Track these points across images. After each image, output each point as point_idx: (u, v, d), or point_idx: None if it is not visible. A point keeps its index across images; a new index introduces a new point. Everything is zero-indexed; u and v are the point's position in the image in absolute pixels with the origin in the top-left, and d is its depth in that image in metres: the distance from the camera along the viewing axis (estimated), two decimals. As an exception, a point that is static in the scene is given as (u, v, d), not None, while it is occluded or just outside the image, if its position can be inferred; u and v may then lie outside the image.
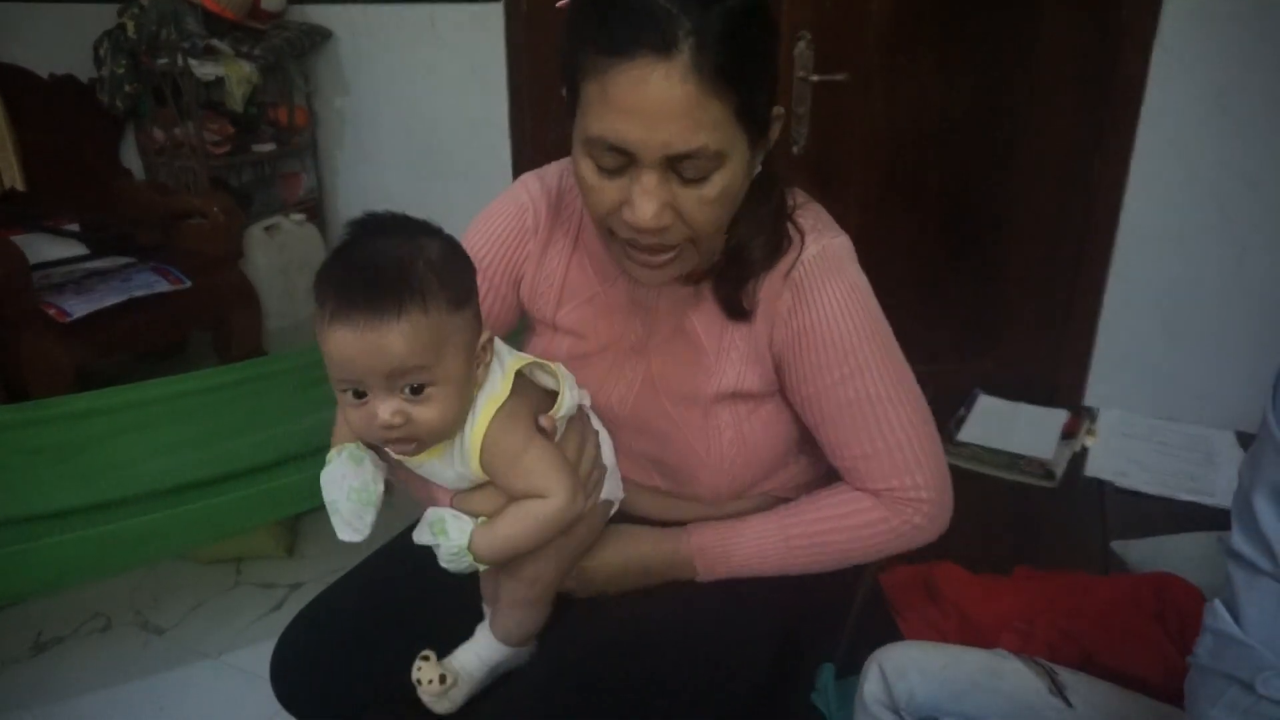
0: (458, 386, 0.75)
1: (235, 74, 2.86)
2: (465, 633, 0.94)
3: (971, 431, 1.61)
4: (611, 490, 0.93)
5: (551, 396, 0.85)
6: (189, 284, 2.49)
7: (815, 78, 2.20)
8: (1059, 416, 1.67)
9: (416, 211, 0.80)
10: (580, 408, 0.89)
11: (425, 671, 0.86)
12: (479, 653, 0.91)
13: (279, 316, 2.97)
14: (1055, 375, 2.44)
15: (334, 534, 0.82)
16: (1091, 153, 2.24)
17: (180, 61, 2.74)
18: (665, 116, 0.69)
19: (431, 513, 0.83)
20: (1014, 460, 1.50)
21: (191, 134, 2.83)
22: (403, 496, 0.89)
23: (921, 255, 2.46)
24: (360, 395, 0.73)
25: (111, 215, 2.74)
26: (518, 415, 0.79)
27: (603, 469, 0.91)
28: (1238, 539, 0.57)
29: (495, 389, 0.79)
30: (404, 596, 0.98)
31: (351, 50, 3.15)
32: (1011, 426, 1.63)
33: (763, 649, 0.96)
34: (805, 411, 0.90)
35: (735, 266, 0.86)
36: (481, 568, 0.82)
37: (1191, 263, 2.22)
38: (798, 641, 1.02)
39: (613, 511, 0.95)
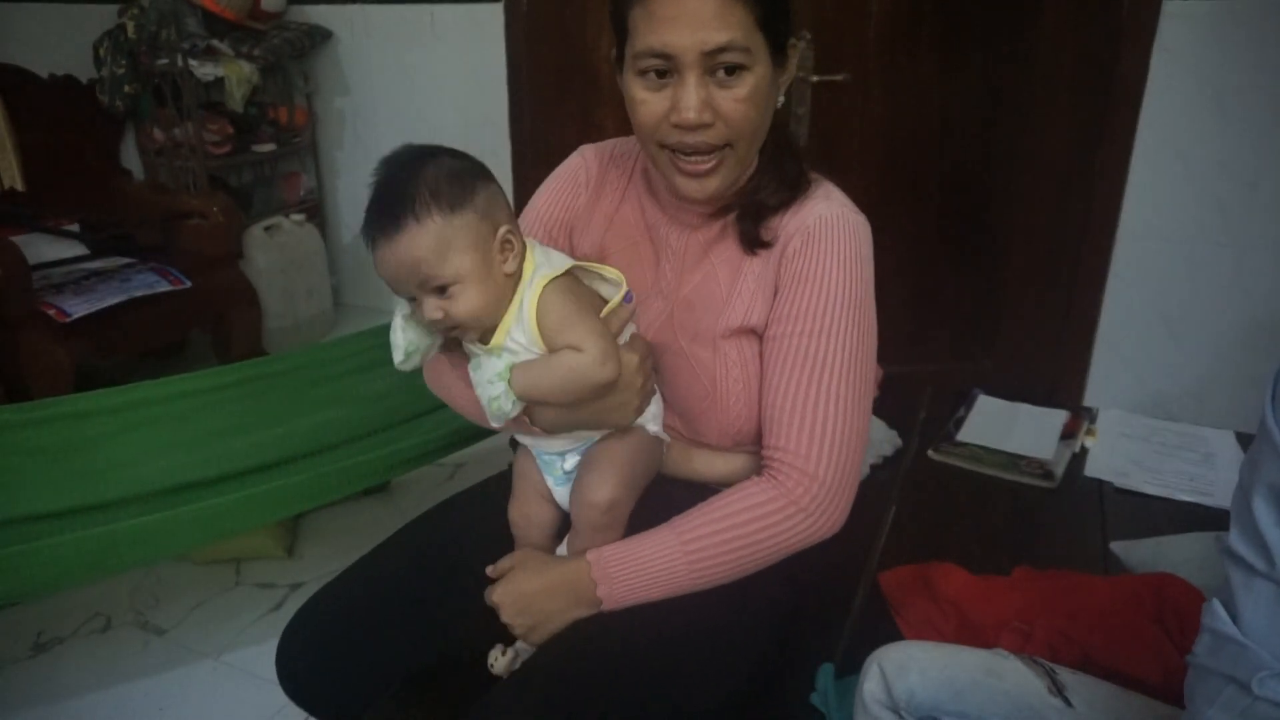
0: (477, 280, 0.85)
1: (235, 74, 2.86)
2: (468, 623, 0.95)
3: (971, 431, 1.61)
4: (660, 428, 0.99)
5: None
6: (189, 284, 2.50)
7: (815, 78, 2.20)
8: (1059, 416, 1.66)
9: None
10: (639, 335, 0.98)
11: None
12: None
13: (279, 316, 2.96)
14: (1055, 375, 2.44)
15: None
16: (1091, 153, 2.24)
17: (180, 62, 2.74)
18: (699, 18, 0.82)
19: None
20: (1013, 460, 1.50)
21: (191, 134, 2.83)
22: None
23: (921, 255, 2.46)
24: (414, 300, 0.87)
25: (111, 215, 2.74)
26: (574, 291, 0.90)
27: (653, 387, 0.97)
28: (1235, 539, 0.57)
29: (553, 267, 0.90)
30: (408, 588, 1.00)
31: (351, 50, 3.15)
32: (1011, 426, 1.62)
33: (761, 649, 0.96)
34: (766, 351, 0.94)
35: (754, 203, 0.95)
36: (511, 409, 0.88)
37: (1191, 263, 2.22)
38: (798, 642, 1.03)
39: (662, 450, 1.00)
